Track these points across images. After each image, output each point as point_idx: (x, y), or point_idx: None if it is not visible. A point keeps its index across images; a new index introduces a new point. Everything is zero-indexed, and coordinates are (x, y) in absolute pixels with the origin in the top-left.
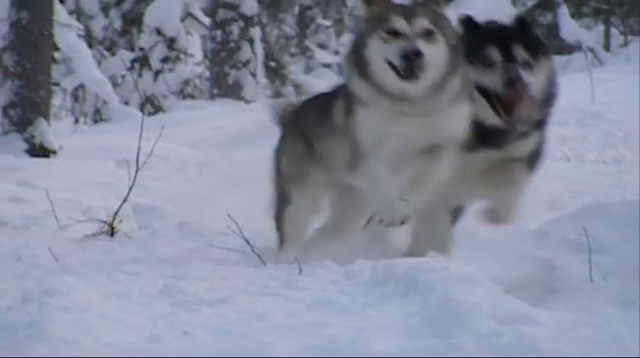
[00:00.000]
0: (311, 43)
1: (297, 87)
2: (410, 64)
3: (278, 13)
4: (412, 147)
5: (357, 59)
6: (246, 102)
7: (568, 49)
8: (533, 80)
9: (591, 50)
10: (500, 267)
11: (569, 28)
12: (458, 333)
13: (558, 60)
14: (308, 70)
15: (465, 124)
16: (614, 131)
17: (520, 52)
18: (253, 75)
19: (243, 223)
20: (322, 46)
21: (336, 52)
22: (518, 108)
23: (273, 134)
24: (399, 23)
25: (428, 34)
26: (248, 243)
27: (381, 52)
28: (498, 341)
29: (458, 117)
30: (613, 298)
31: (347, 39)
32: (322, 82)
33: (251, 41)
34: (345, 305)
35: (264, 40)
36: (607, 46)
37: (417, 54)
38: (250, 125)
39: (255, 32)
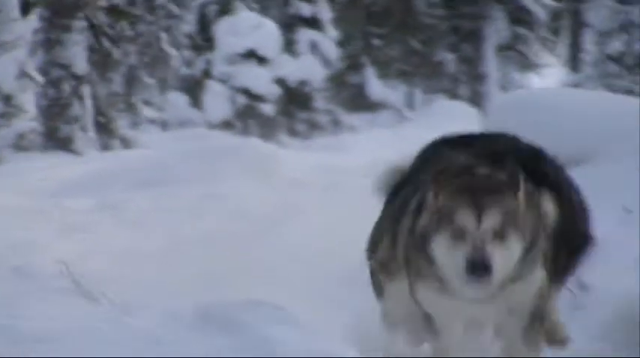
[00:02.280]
0: (137, 99)
1: (124, 140)
2: (477, 276)
3: (106, 73)
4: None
5: (424, 253)
6: (77, 154)
7: (375, 107)
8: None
9: (396, 109)
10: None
11: (376, 88)
12: None
13: (365, 117)
14: (134, 124)
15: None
16: None
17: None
18: (83, 129)
19: (75, 267)
20: (147, 103)
21: (160, 109)
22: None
23: (102, 184)
24: (467, 221)
25: (499, 235)
26: (79, 284)
27: (447, 256)
28: None
29: (526, 290)
30: None
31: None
32: (147, 135)
33: (81, 98)
34: (167, 342)
35: (93, 97)
36: (411, 105)
37: (485, 267)
38: (80, 175)
39: (85, 90)
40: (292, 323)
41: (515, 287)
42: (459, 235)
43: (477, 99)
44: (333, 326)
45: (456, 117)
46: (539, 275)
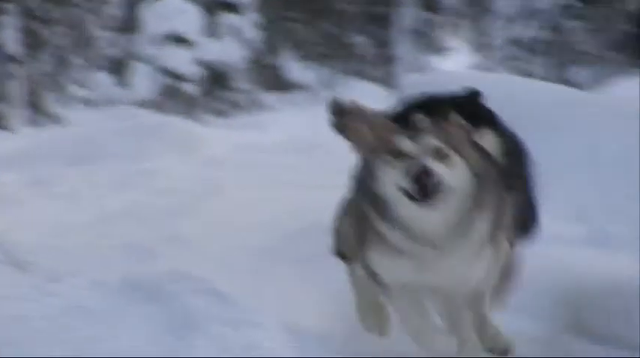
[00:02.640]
0: (66, 78)
1: (54, 118)
2: (422, 185)
3: (37, 53)
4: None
5: (368, 192)
6: (8, 130)
7: (292, 87)
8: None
9: (312, 89)
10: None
11: (293, 69)
12: (193, 335)
13: (283, 97)
14: (63, 102)
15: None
16: (329, 158)
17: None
18: (15, 107)
19: (4, 238)
20: (76, 82)
21: (88, 88)
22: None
23: (33, 159)
24: (403, 142)
25: (439, 154)
26: (9, 254)
27: (388, 178)
28: (226, 341)
29: (479, 266)
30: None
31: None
32: (76, 113)
33: (13, 77)
34: (94, 309)
35: (25, 76)
36: (325, 86)
37: (427, 172)
38: (12, 151)
39: (17, 69)
40: (215, 294)
41: (463, 259)
42: (398, 155)
43: (388, 81)
44: (254, 297)
45: (367, 98)
46: (488, 258)
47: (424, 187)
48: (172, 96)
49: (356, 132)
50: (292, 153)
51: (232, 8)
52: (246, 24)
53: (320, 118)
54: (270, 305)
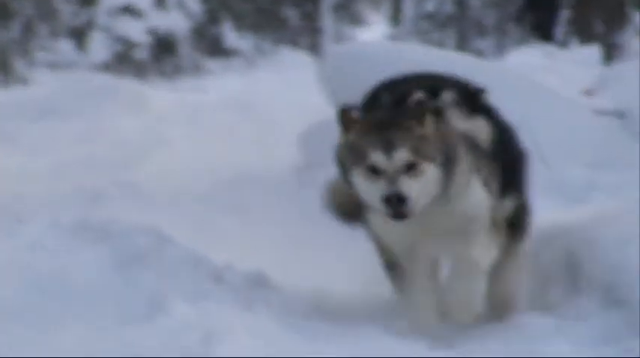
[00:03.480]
0: (32, 45)
1: (21, 79)
2: (394, 208)
3: (7, 22)
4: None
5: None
6: None
7: (229, 54)
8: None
9: (247, 56)
10: None
11: (231, 38)
12: (137, 271)
13: (222, 63)
14: (30, 66)
15: (485, 205)
16: (262, 116)
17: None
18: None
19: None
20: (41, 48)
21: (52, 53)
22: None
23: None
24: (378, 159)
25: (410, 168)
26: None
27: (365, 189)
28: (168, 277)
29: (470, 204)
30: None
31: None
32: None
33: None
34: (51, 248)
35: None
36: (260, 53)
37: (400, 199)
38: None
39: None
40: (158, 235)
41: (452, 208)
42: (373, 171)
43: (314, 49)
44: (196, 238)
45: (296, 65)
46: (478, 195)
47: (397, 210)
48: (125, 62)
49: (346, 135)
50: (229, 112)
51: None
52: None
53: (253, 81)
54: (207, 247)
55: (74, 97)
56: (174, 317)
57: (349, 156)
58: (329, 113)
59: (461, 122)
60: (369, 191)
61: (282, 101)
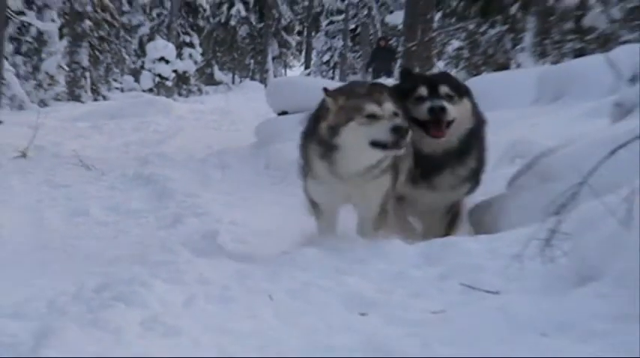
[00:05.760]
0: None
1: (103, 96)
2: (399, 137)
3: (97, 64)
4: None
5: (323, 145)
6: (81, 102)
7: (217, 83)
8: (456, 109)
9: (227, 84)
10: None
11: (217, 73)
12: (167, 200)
13: (212, 88)
14: (110, 90)
15: (384, 191)
16: (234, 117)
17: (443, 89)
18: (85, 90)
19: (81, 153)
20: (116, 80)
21: (122, 82)
22: (442, 126)
23: (93, 115)
24: (374, 108)
25: (396, 115)
26: (82, 161)
27: (363, 134)
28: (184, 204)
29: (376, 187)
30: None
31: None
32: (114, 94)
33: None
34: (119, 188)
35: (89, 76)
36: (233, 82)
37: (402, 129)
38: (83, 112)
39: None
40: (178, 180)
41: (374, 181)
42: (372, 118)
43: (263, 81)
44: (197, 182)
45: (253, 89)
46: (386, 180)
47: (400, 139)
48: (160, 87)
49: (335, 101)
50: (216, 115)
51: (190, 45)
52: (196, 53)
53: (230, 98)
54: (203, 187)
55: (133, 106)
56: (189, 226)
57: (342, 117)
58: (271, 115)
59: (454, 106)
60: (368, 133)
61: (246, 109)
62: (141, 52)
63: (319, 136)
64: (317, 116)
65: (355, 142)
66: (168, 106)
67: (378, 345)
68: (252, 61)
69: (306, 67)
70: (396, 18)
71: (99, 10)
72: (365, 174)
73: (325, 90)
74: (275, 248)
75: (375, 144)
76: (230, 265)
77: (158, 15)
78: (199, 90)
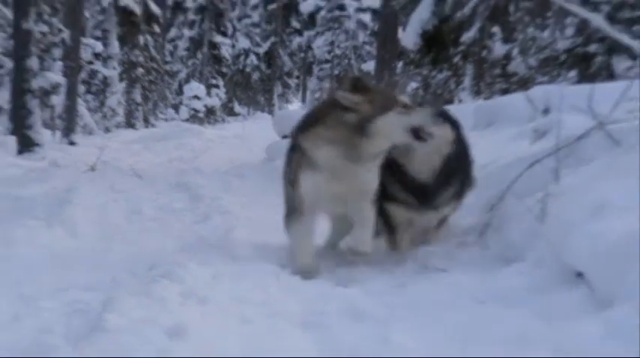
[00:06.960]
0: (156, 110)
1: (151, 124)
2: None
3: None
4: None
5: (336, 130)
6: (135, 129)
7: (237, 115)
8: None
9: (243, 115)
10: None
11: (237, 107)
12: (199, 202)
13: (234, 118)
14: (156, 119)
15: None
16: (249, 141)
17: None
18: (138, 121)
19: (135, 166)
20: (161, 112)
21: (165, 114)
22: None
23: (144, 139)
24: (406, 100)
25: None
26: (135, 171)
27: (400, 123)
28: (212, 205)
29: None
30: None
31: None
32: (160, 123)
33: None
34: (160, 194)
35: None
36: (248, 113)
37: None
38: (136, 136)
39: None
40: (207, 186)
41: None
42: (407, 108)
43: (271, 112)
44: (221, 189)
45: (264, 119)
46: (375, 170)
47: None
48: (194, 118)
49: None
50: (235, 139)
51: (216, 86)
52: (220, 92)
53: (246, 126)
54: (227, 191)
55: (174, 132)
56: (215, 221)
57: (377, 107)
58: (277, 138)
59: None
60: (405, 121)
61: (258, 134)
62: (179, 91)
63: (331, 124)
64: (320, 111)
65: (392, 130)
66: (200, 132)
67: (357, 310)
68: (262, 97)
69: (303, 102)
70: (369, 66)
71: (148, 61)
72: (375, 158)
73: (353, 83)
74: (281, 239)
75: (412, 131)
76: (246, 251)
77: (192, 64)
78: (223, 120)
